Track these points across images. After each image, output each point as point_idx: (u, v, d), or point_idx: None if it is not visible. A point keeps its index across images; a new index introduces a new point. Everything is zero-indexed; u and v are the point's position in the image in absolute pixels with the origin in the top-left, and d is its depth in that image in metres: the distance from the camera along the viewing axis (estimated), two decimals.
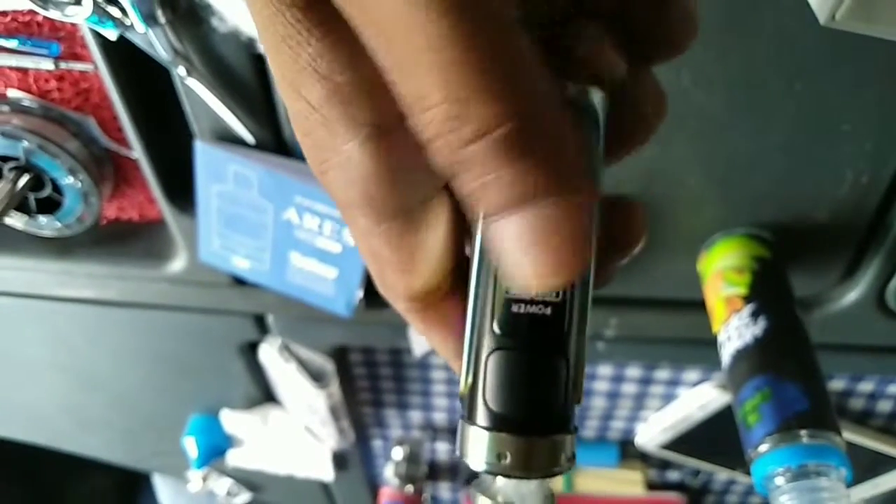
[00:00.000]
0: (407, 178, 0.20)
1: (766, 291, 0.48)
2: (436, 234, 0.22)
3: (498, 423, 0.19)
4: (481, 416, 0.20)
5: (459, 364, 0.23)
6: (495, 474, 0.20)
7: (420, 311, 0.24)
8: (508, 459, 0.19)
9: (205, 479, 0.85)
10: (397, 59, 0.16)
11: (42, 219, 0.56)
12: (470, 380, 0.20)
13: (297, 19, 0.17)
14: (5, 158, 0.52)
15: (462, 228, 0.23)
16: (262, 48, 0.44)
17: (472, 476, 0.80)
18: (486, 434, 0.20)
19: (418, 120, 0.16)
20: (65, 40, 0.48)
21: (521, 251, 0.17)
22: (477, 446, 0.20)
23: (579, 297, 0.20)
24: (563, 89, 0.20)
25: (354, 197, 0.20)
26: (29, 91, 0.51)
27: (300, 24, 0.17)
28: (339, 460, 0.81)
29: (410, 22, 0.15)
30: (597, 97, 0.20)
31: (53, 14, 0.43)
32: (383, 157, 0.19)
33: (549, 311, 0.20)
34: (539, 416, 0.20)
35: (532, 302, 0.20)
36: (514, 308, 0.20)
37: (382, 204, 0.20)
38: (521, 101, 0.15)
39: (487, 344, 0.20)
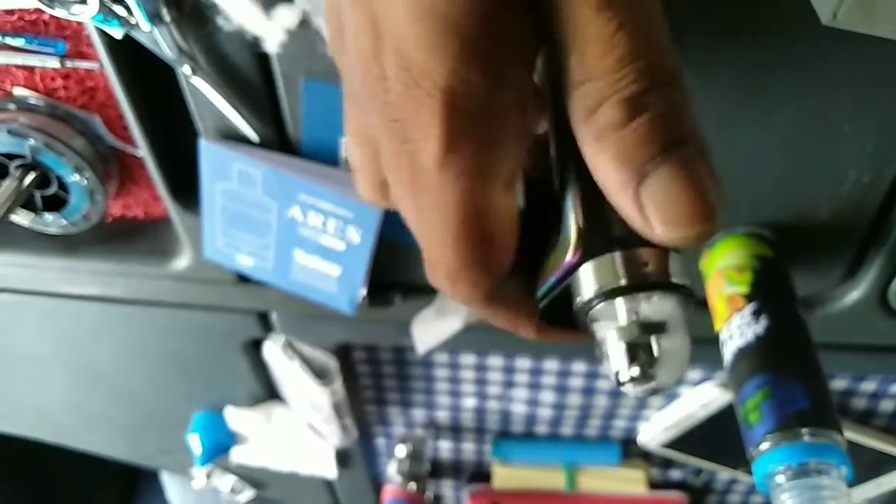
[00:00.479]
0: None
1: (768, 290, 0.48)
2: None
3: (615, 244, 0.21)
4: (595, 247, 0.21)
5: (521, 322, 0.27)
6: (636, 289, 0.21)
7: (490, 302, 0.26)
8: (649, 267, 0.21)
9: (209, 476, 0.86)
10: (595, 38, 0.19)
11: (48, 216, 0.56)
12: (582, 224, 0.22)
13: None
14: (11, 156, 0.53)
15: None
16: (267, 47, 0.44)
17: (475, 475, 0.80)
18: (618, 256, 0.21)
19: (603, 81, 0.19)
20: (71, 39, 0.49)
21: (671, 200, 0.19)
22: (582, 284, 0.21)
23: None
24: None
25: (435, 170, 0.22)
26: (35, 89, 0.52)
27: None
28: (343, 458, 0.81)
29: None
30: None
31: (59, 13, 0.43)
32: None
33: None
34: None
35: None
36: None
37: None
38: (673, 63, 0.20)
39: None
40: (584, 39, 0.19)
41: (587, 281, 0.21)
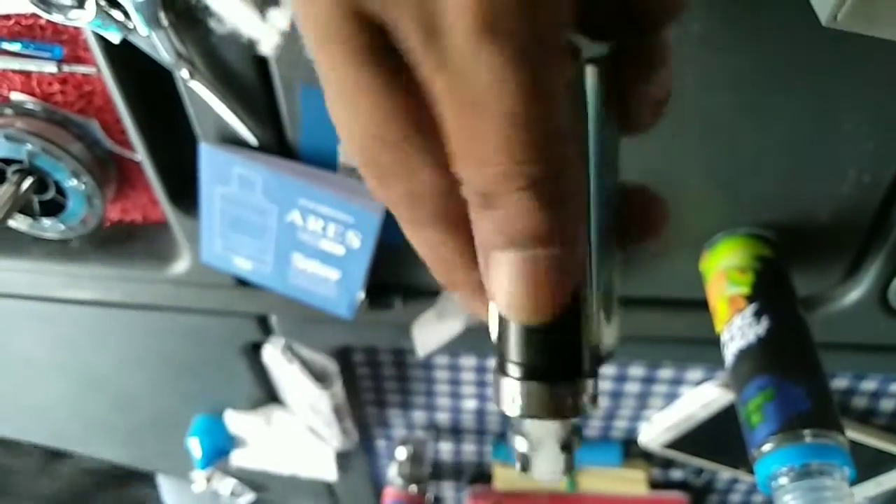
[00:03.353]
0: None
1: (769, 291, 0.48)
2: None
3: (520, 373, 0.22)
4: (508, 367, 0.22)
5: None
6: (525, 418, 0.22)
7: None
8: (533, 404, 0.22)
9: (209, 479, 0.85)
10: (465, 126, 0.17)
11: (46, 221, 0.56)
12: (497, 333, 0.22)
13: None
14: (9, 161, 0.52)
15: None
16: (263, 50, 0.44)
17: (476, 476, 0.80)
18: (512, 382, 0.22)
19: (474, 175, 0.18)
20: (68, 43, 0.48)
21: (512, 285, 0.20)
22: (507, 394, 0.22)
23: (595, 258, 0.22)
24: (570, 53, 0.21)
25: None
26: (32, 94, 0.52)
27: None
28: (343, 460, 0.81)
29: (481, 94, 0.17)
30: (591, 72, 0.22)
31: (56, 18, 0.43)
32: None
33: None
34: (553, 366, 0.22)
35: None
36: None
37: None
38: (560, 162, 0.18)
39: None
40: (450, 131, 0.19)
41: (503, 396, 0.22)
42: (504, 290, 0.20)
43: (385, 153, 0.20)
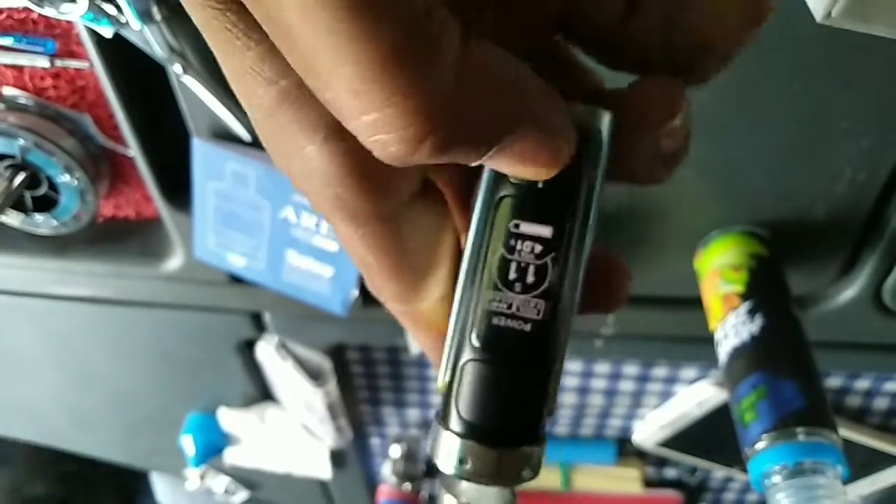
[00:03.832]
0: (378, 180, 0.19)
1: (763, 289, 0.48)
2: (422, 239, 0.21)
3: (467, 432, 0.20)
4: (453, 421, 0.20)
5: None
6: (460, 479, 0.20)
7: (410, 315, 0.23)
8: (474, 467, 0.19)
9: (202, 477, 0.85)
10: (307, 69, 0.15)
11: (38, 217, 0.56)
12: (446, 381, 0.20)
13: (232, 23, 0.16)
14: (1, 156, 0.52)
15: (453, 231, 0.22)
16: None
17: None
18: (455, 439, 0.20)
19: (346, 125, 0.15)
20: (60, 38, 0.48)
21: (510, 170, 0.18)
22: (446, 450, 0.20)
23: (562, 317, 0.20)
24: (569, 108, 0.19)
25: (325, 203, 0.19)
26: (24, 89, 0.51)
27: (237, 28, 0.16)
28: (337, 458, 0.81)
29: (312, 28, 0.14)
30: (605, 119, 0.20)
31: (49, 11, 0.43)
32: (346, 159, 0.18)
33: (528, 327, 0.19)
34: (508, 429, 0.20)
35: (513, 316, 0.20)
36: (495, 321, 0.20)
37: (356, 208, 0.19)
38: (439, 105, 0.15)
39: (465, 353, 0.20)
40: None
41: (441, 450, 0.20)
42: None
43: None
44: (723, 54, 0.20)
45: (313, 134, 0.17)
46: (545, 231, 0.20)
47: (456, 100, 0.15)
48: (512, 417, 0.20)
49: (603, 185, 0.20)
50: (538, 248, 0.20)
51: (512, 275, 0.20)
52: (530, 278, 0.19)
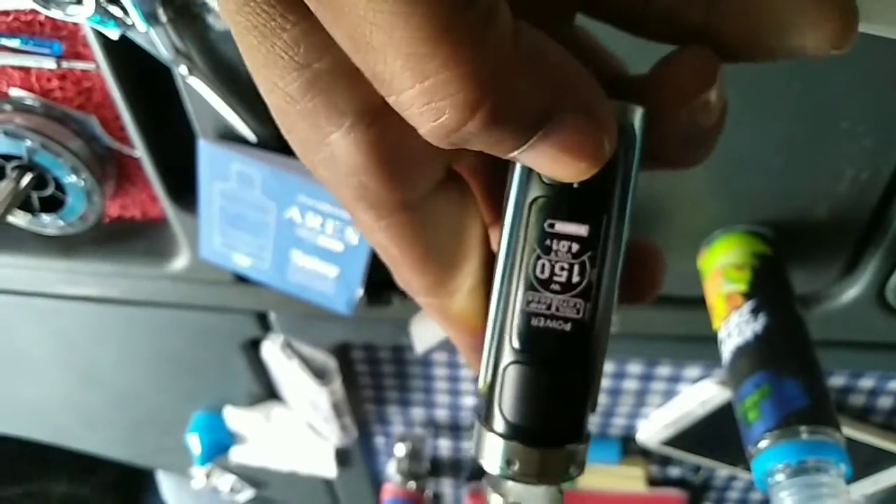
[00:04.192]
0: (403, 168, 0.18)
1: (767, 288, 0.48)
2: (447, 230, 0.21)
3: (512, 433, 0.20)
4: (497, 423, 0.20)
5: (475, 359, 0.23)
6: (506, 479, 0.20)
7: (439, 309, 0.23)
8: (520, 467, 0.19)
9: (208, 475, 0.86)
10: (359, 44, 0.15)
11: (45, 217, 0.56)
12: (488, 383, 0.20)
13: (270, 4, 0.16)
14: (8, 157, 0.52)
15: (480, 223, 0.22)
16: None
17: (475, 473, 0.80)
18: (499, 441, 0.20)
19: (392, 102, 0.15)
20: (67, 39, 0.48)
21: (549, 166, 0.17)
22: (491, 451, 0.20)
23: (601, 315, 0.20)
24: None
25: (348, 192, 0.19)
26: (31, 90, 0.52)
27: (273, 10, 0.16)
28: (342, 457, 0.81)
29: (367, 3, 0.14)
30: (637, 114, 0.19)
31: (55, 13, 0.43)
32: (372, 147, 0.18)
33: (568, 326, 0.19)
34: (552, 430, 0.20)
35: (552, 317, 0.19)
36: (534, 322, 0.19)
37: (379, 198, 0.19)
38: (494, 72, 0.15)
39: (505, 355, 0.20)
40: None
41: (485, 451, 0.20)
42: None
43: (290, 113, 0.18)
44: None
45: (340, 119, 0.17)
46: (581, 230, 0.19)
47: (508, 71, 0.15)
48: (556, 418, 0.20)
49: (638, 181, 0.20)
50: (575, 247, 0.19)
51: (549, 275, 0.19)
52: (568, 278, 0.19)
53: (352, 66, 0.16)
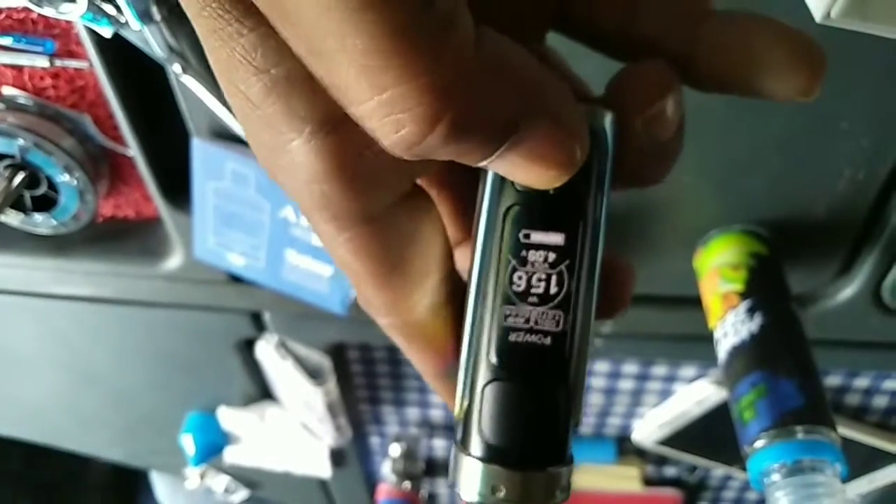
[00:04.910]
0: (365, 178, 0.18)
1: (763, 288, 0.48)
2: (410, 246, 0.20)
3: (492, 455, 0.19)
4: (475, 446, 0.19)
5: (442, 387, 0.22)
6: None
7: (401, 329, 0.22)
8: (503, 493, 0.18)
9: (202, 476, 0.85)
10: (312, 51, 0.14)
11: (38, 216, 0.56)
12: (465, 406, 0.19)
13: (225, 10, 0.16)
14: (1, 156, 0.52)
15: (444, 239, 0.21)
16: None
17: None
18: (479, 465, 0.19)
19: (352, 113, 0.15)
20: (60, 38, 0.48)
21: (521, 174, 0.16)
22: (470, 477, 0.19)
23: (581, 326, 0.19)
24: None
25: (309, 201, 0.18)
26: (24, 89, 0.51)
27: (229, 14, 0.16)
28: (337, 457, 0.81)
29: (318, 8, 0.13)
30: (607, 118, 0.19)
31: (48, 11, 0.43)
32: (333, 155, 0.17)
33: (548, 340, 0.19)
34: (535, 450, 0.19)
35: (531, 331, 0.19)
36: (512, 337, 0.19)
37: (341, 208, 0.18)
38: (456, 82, 0.14)
39: (483, 373, 0.19)
40: None
41: (464, 477, 0.19)
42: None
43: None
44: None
45: (301, 126, 0.17)
46: (557, 239, 0.19)
47: (470, 80, 0.15)
48: (539, 437, 0.19)
49: (611, 185, 0.19)
50: (552, 256, 0.19)
51: (526, 287, 0.19)
52: (546, 289, 0.19)
53: (311, 73, 0.16)
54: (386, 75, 0.14)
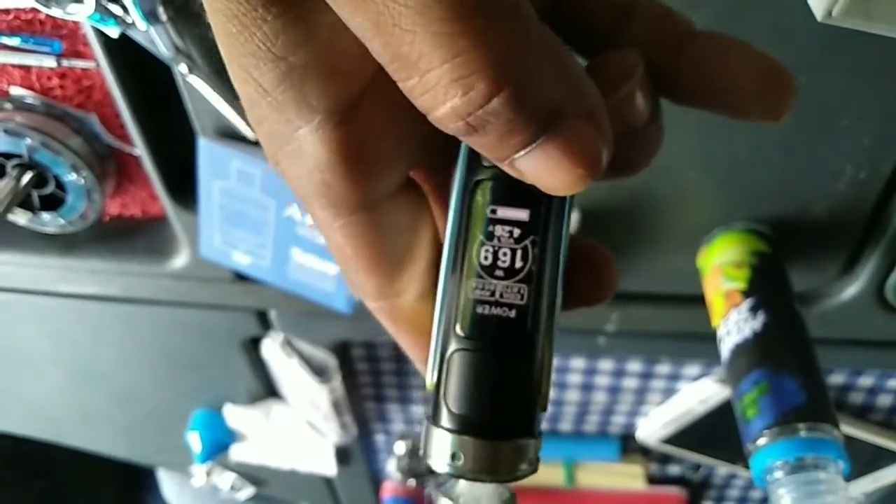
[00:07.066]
0: (366, 168, 0.19)
1: (765, 286, 0.48)
2: (400, 233, 0.21)
3: (458, 425, 0.19)
4: (443, 417, 0.19)
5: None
6: (455, 476, 0.20)
7: (388, 312, 0.23)
8: (468, 462, 0.19)
9: (208, 473, 0.86)
10: (381, 25, 0.15)
11: (45, 215, 0.56)
12: (434, 379, 0.20)
13: None
14: (8, 156, 0.52)
15: (432, 228, 0.22)
16: None
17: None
18: (446, 435, 0.19)
19: (412, 85, 0.15)
20: (67, 38, 0.48)
21: (550, 171, 0.17)
22: (438, 447, 0.19)
23: (546, 301, 0.19)
24: None
25: (310, 188, 0.19)
26: (31, 88, 0.52)
27: (256, 0, 0.16)
28: (342, 455, 0.81)
29: None
30: None
31: (55, 12, 0.43)
32: (339, 144, 0.18)
33: (513, 313, 0.19)
34: (499, 419, 0.19)
35: (497, 304, 0.19)
36: (479, 309, 0.19)
37: (340, 196, 0.19)
38: (519, 57, 0.15)
39: (451, 344, 0.20)
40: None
41: (433, 448, 0.20)
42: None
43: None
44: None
45: (311, 115, 0.17)
46: (522, 214, 0.19)
47: (532, 58, 0.15)
48: (502, 407, 0.19)
49: None
50: (517, 232, 0.19)
51: (492, 261, 0.19)
52: (511, 263, 0.19)
53: (327, 63, 0.17)
54: (461, 42, 0.14)
